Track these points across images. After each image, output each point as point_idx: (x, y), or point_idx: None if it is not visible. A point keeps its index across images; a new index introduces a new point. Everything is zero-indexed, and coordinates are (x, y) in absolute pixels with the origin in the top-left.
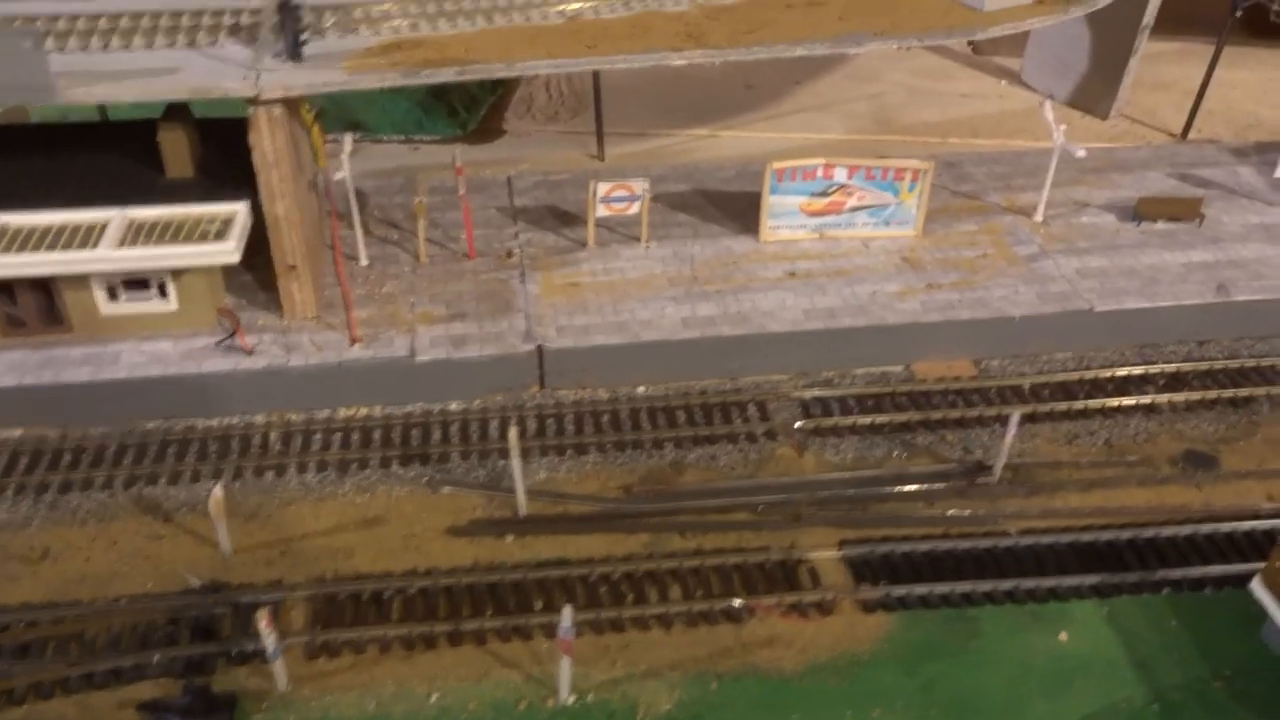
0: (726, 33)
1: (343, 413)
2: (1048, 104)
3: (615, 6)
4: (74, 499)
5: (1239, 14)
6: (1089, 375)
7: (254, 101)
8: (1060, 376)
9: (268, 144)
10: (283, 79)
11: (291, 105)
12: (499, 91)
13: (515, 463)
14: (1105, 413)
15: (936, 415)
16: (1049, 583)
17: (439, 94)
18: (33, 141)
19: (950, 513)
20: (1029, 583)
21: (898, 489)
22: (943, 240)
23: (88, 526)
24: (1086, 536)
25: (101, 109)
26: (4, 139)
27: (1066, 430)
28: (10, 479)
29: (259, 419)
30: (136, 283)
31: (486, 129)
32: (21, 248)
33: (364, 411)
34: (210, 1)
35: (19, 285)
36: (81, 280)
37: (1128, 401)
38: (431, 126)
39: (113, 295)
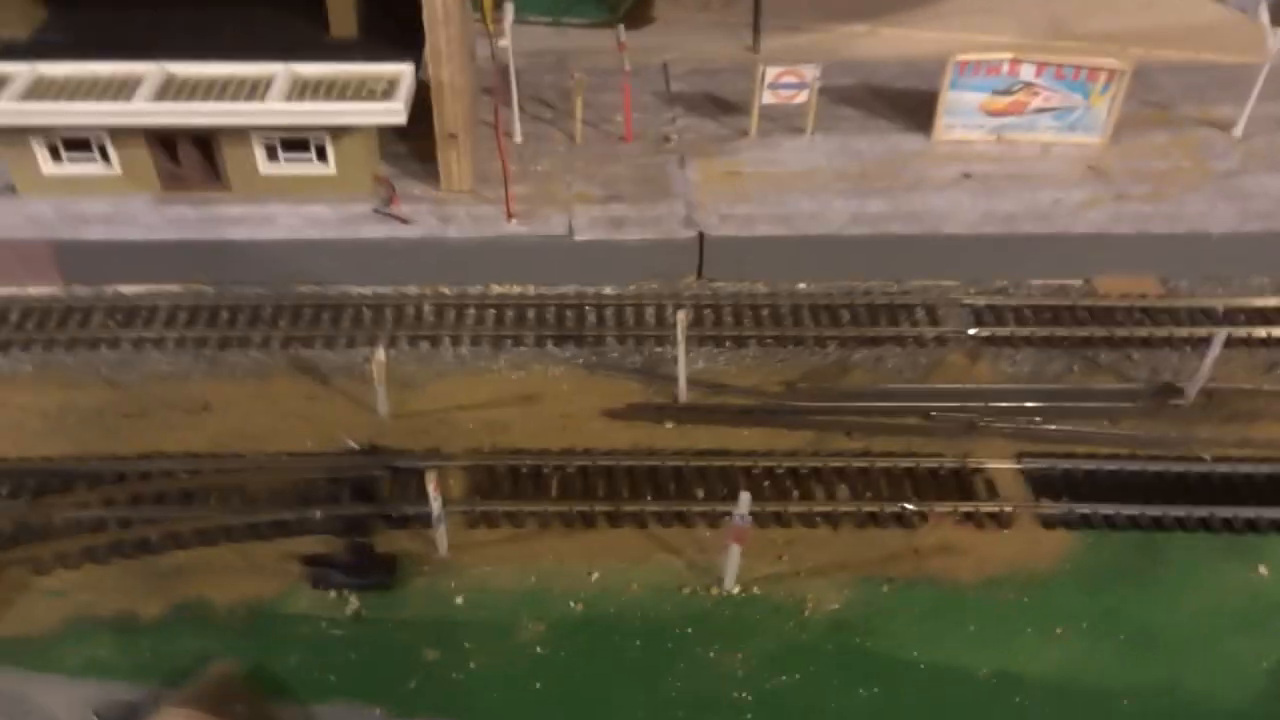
0: None
1: (495, 289)
2: (1263, 5)
3: None
4: (232, 356)
5: None
6: None
7: None
8: (1259, 301)
9: (439, 2)
10: None
11: None
12: None
13: (680, 348)
14: None
15: (1121, 332)
16: (1247, 513)
17: None
18: None
19: (1139, 433)
20: (1225, 511)
21: (1081, 405)
22: (1131, 151)
23: (246, 383)
24: None
25: None
26: None
27: (1265, 358)
28: (171, 331)
29: (412, 290)
30: (296, 144)
31: (637, 15)
32: (185, 97)
33: (517, 289)
34: None
35: (180, 138)
36: (242, 137)
37: None
38: (581, 9)
39: (272, 155)
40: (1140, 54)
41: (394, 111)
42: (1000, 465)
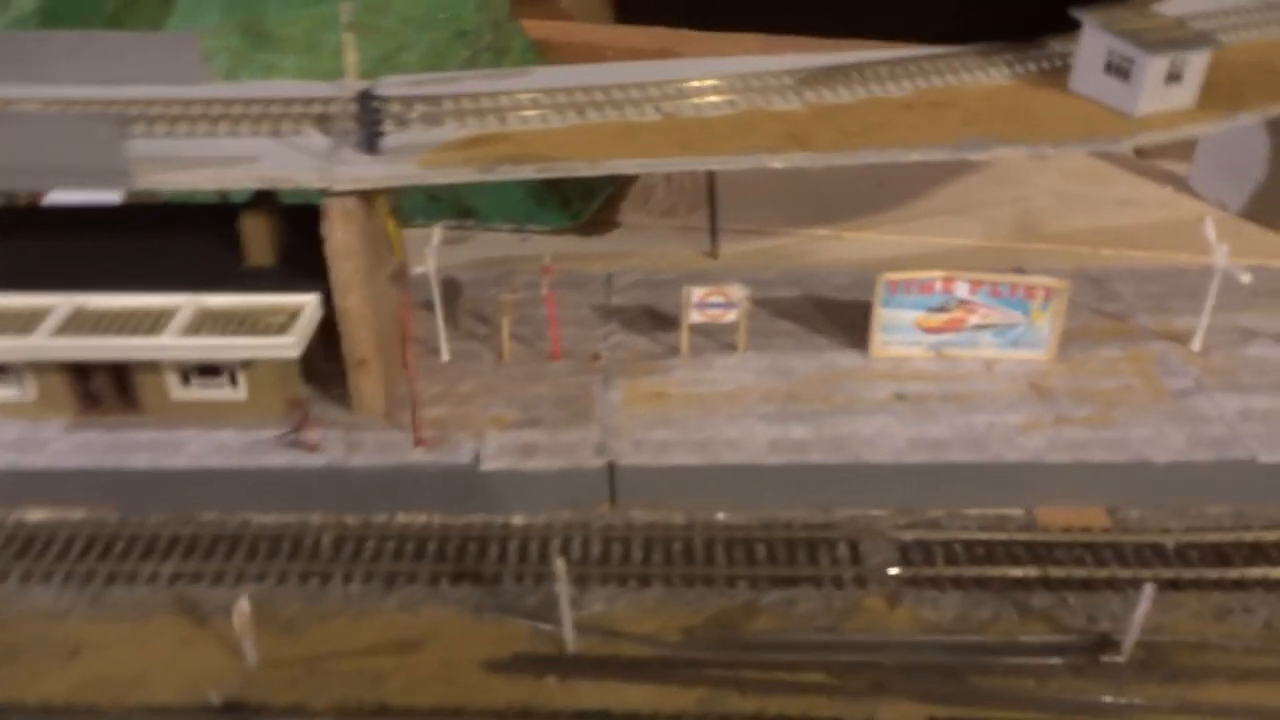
0: (834, 135)
1: (401, 518)
2: (1209, 221)
3: (720, 105)
4: (116, 592)
5: None
6: (1249, 538)
7: (326, 193)
8: (1213, 536)
9: (340, 236)
10: (356, 171)
11: (367, 198)
12: (616, 183)
13: (562, 597)
14: (1268, 585)
15: (1058, 573)
16: None
17: (553, 184)
18: (121, 219)
19: (1066, 697)
20: None
21: (1003, 660)
22: (1079, 367)
23: (123, 624)
24: None
25: (220, 191)
26: (96, 217)
27: (1217, 603)
28: (61, 564)
29: (315, 519)
30: (208, 369)
31: (600, 221)
32: (96, 329)
33: (423, 519)
34: (295, 90)
35: (95, 366)
36: (154, 364)
37: None
38: (543, 217)
39: (185, 380)
40: (1110, 255)
41: (286, 346)
42: None
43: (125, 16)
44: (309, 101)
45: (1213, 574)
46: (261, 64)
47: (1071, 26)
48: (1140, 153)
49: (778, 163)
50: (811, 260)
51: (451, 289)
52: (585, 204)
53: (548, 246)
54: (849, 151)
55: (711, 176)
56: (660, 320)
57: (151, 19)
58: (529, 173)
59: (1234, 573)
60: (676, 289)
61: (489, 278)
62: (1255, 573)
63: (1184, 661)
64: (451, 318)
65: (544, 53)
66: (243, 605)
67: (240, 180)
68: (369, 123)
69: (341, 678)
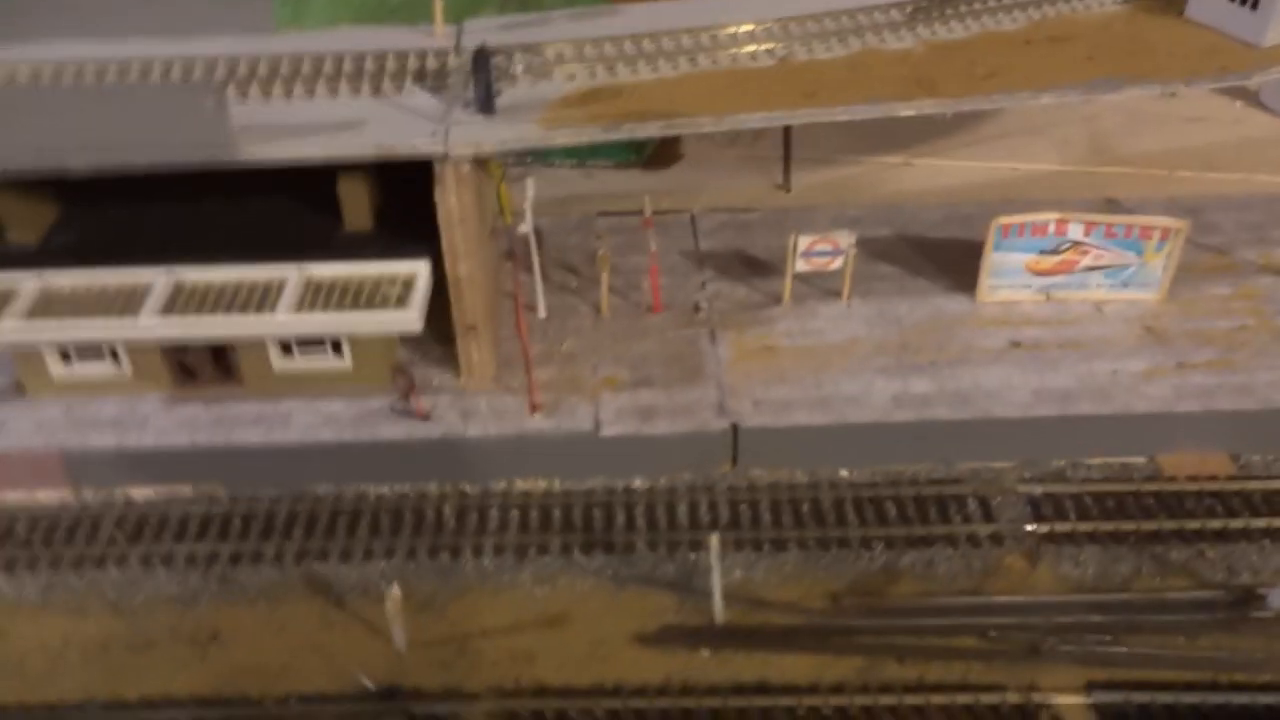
0: (960, 77)
1: (519, 484)
2: None
3: (833, 46)
4: (243, 574)
5: None
6: None
7: (444, 159)
8: None
9: (453, 202)
10: (474, 135)
11: (481, 160)
12: None
13: (715, 575)
14: None
15: (1192, 525)
16: None
17: None
18: (209, 182)
19: (1220, 654)
20: None
21: (1152, 618)
22: (1190, 307)
23: (257, 607)
24: None
25: None
26: (181, 180)
27: None
28: (181, 545)
29: (432, 489)
30: (311, 340)
31: (663, 154)
32: (197, 307)
33: (542, 485)
34: (388, 42)
35: (201, 343)
36: (261, 340)
37: None
38: (607, 151)
39: (287, 351)
40: (1189, 177)
41: (408, 320)
42: (1068, 700)
43: None
44: (405, 55)
45: None
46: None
47: None
48: None
49: (907, 110)
50: (887, 191)
51: (536, 239)
52: (649, 137)
53: (612, 183)
54: (980, 96)
55: None
56: (754, 265)
57: None
58: (654, 130)
59: None
60: (765, 230)
61: (567, 224)
62: None
63: None
64: (541, 271)
65: None
66: (395, 592)
67: (353, 149)
68: (483, 81)
69: (492, 658)
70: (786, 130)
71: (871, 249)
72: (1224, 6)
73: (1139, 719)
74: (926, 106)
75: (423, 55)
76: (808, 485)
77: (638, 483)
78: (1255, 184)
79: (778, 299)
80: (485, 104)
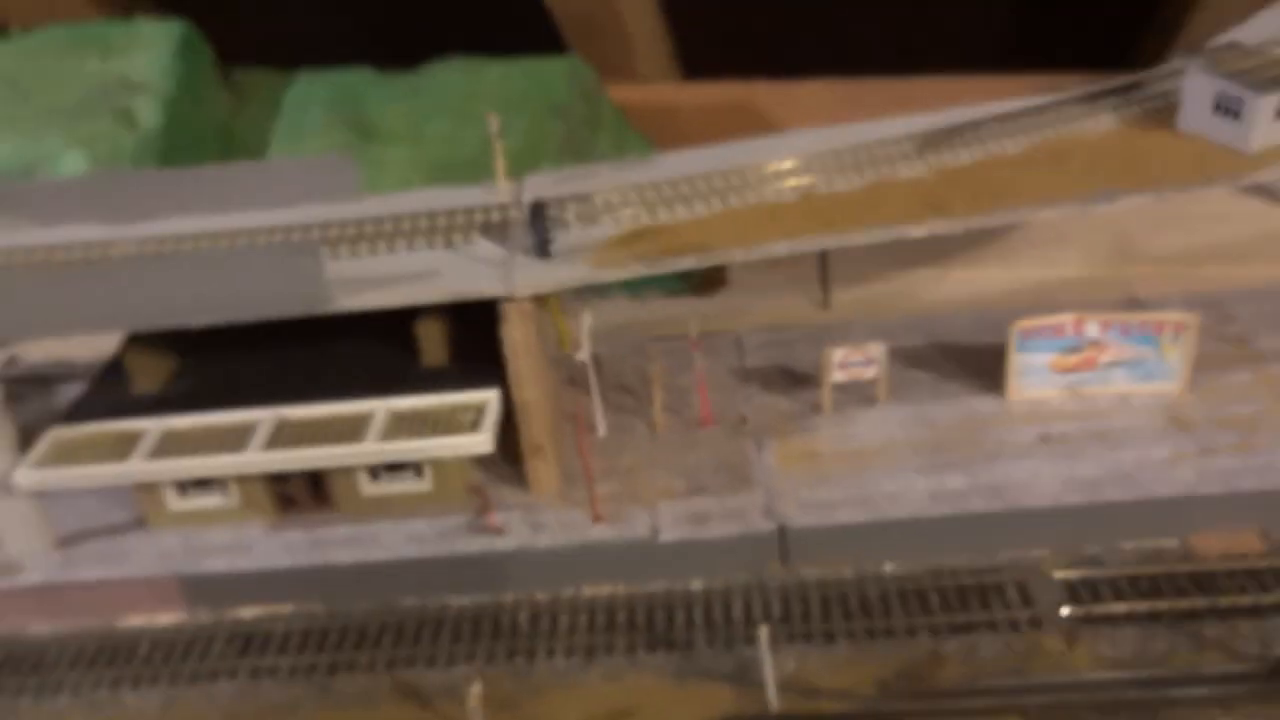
0: (967, 198)
1: (587, 591)
2: None
3: (849, 176)
4: (340, 682)
5: None
6: None
7: (509, 300)
8: None
9: (518, 335)
10: (533, 276)
11: (541, 298)
12: None
13: (766, 664)
14: None
15: (1225, 601)
16: None
17: None
18: (306, 331)
19: None
20: None
21: (1188, 692)
22: (1211, 395)
23: (351, 712)
24: None
25: None
26: (282, 331)
27: None
28: (284, 658)
29: (508, 597)
30: (396, 465)
31: (710, 280)
32: (295, 441)
33: (607, 589)
34: (458, 200)
35: (293, 471)
36: (347, 466)
37: None
38: (657, 282)
39: (374, 476)
40: (1214, 273)
41: (481, 443)
42: None
43: (236, 120)
44: (472, 211)
45: None
46: (372, 157)
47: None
48: None
49: (919, 231)
50: (923, 303)
51: (595, 364)
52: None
53: (664, 310)
54: (983, 214)
55: None
56: (795, 378)
57: (260, 120)
58: (690, 263)
59: None
60: (805, 345)
61: (624, 349)
62: None
63: None
64: (600, 393)
65: (625, 117)
66: (476, 689)
67: (430, 295)
68: (539, 230)
69: None
70: (823, 253)
71: (905, 357)
72: (1211, 118)
73: None
74: (937, 227)
75: (487, 210)
76: (854, 580)
77: (695, 584)
78: (1275, 276)
79: (818, 408)
80: (542, 249)
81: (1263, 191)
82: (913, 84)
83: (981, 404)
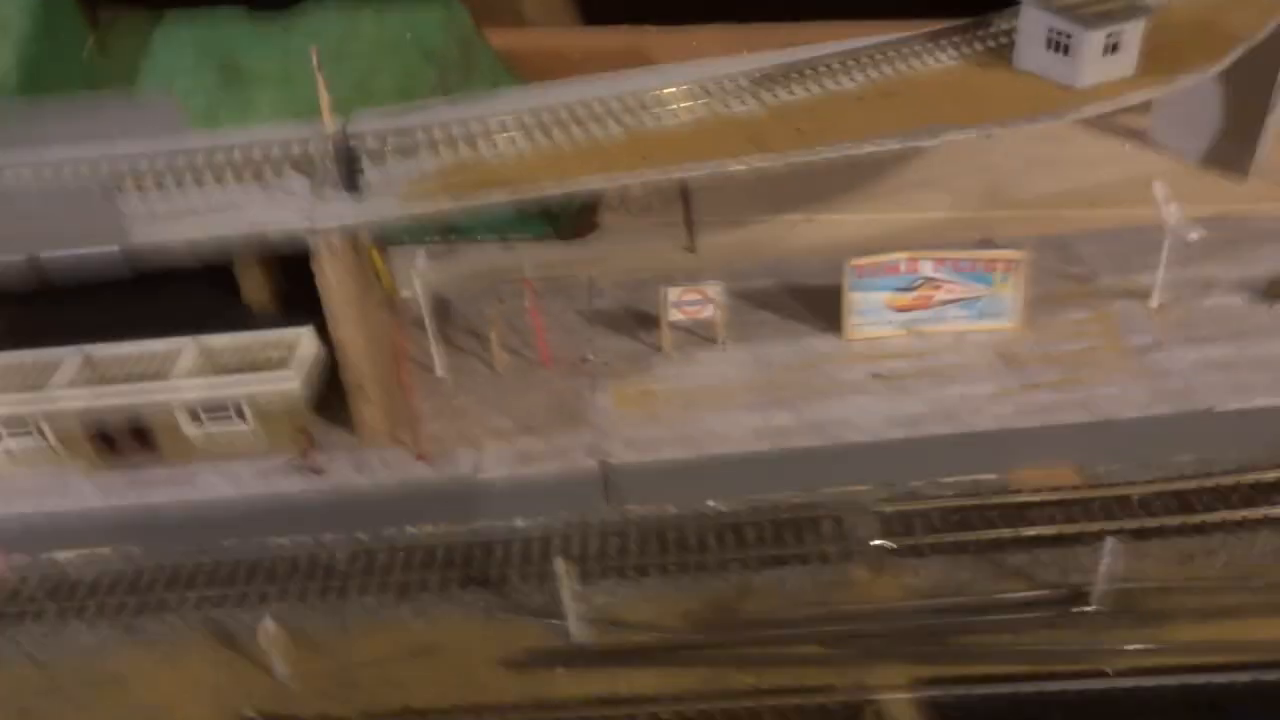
0: (790, 135)
1: (410, 531)
2: (1157, 184)
3: (680, 114)
4: (149, 623)
5: None
6: (1210, 484)
7: (313, 234)
8: (1176, 485)
9: (329, 272)
10: (339, 211)
11: (353, 233)
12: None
13: (566, 598)
14: (1228, 528)
15: (1031, 532)
16: None
17: None
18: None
19: (1041, 647)
20: None
21: (982, 618)
22: (1046, 332)
23: (158, 651)
24: (1198, 678)
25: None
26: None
27: (1181, 549)
28: (93, 600)
29: (329, 538)
30: (216, 408)
31: (580, 224)
32: (101, 379)
33: (430, 530)
34: (273, 135)
35: (111, 413)
36: (166, 407)
37: (1255, 514)
38: (525, 226)
39: (196, 419)
40: (1073, 216)
41: (285, 379)
42: (893, 695)
43: (102, 62)
44: (287, 145)
45: (1176, 521)
46: (239, 101)
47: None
48: None
49: (737, 166)
50: (787, 247)
51: (442, 306)
52: (565, 211)
53: (532, 255)
54: (805, 150)
55: None
56: (643, 320)
57: (128, 61)
58: (501, 197)
59: (1196, 518)
60: (657, 289)
61: (476, 293)
62: (1216, 517)
63: (1151, 605)
64: (444, 335)
65: (510, 64)
66: (268, 625)
67: (229, 229)
68: (346, 163)
69: (367, 686)
70: (686, 196)
71: (754, 299)
72: (1043, 55)
73: (958, 709)
74: (755, 161)
75: (305, 144)
76: (676, 517)
77: (520, 523)
78: (1131, 218)
79: (660, 349)
80: (350, 183)
81: (1135, 136)
82: (801, 29)
83: (821, 344)
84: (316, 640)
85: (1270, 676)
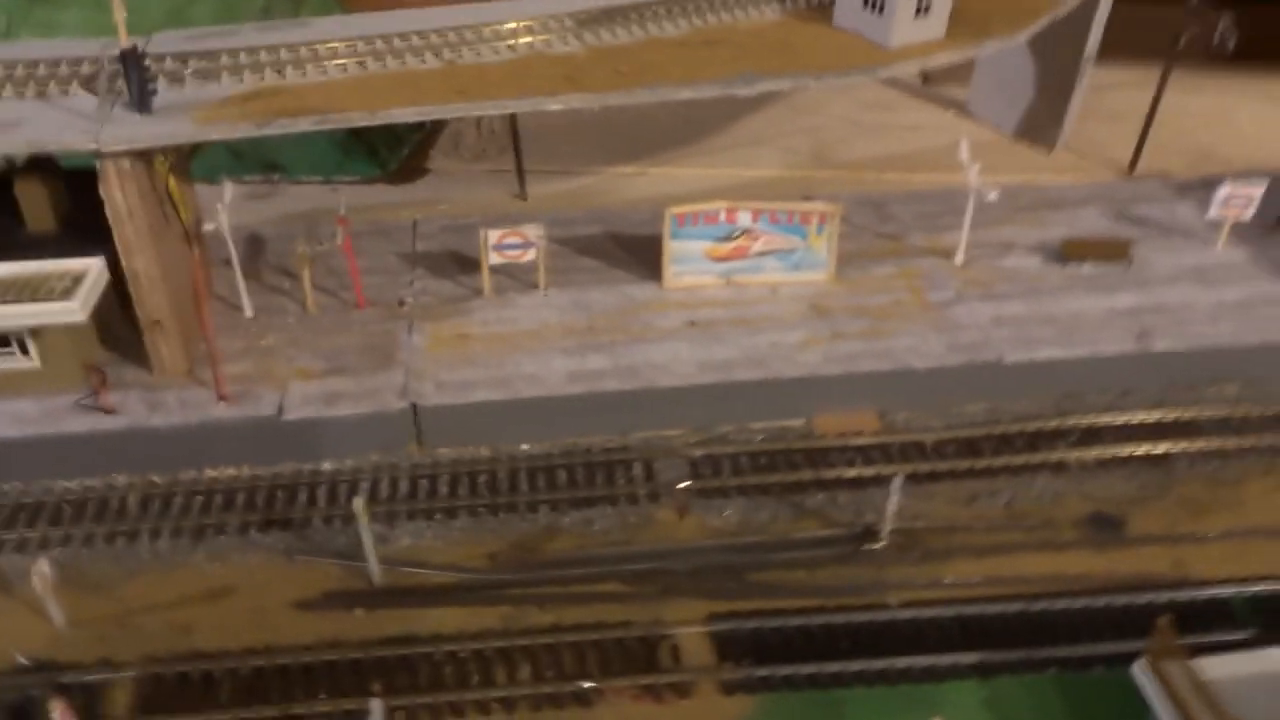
0: (608, 75)
1: (209, 474)
2: (964, 143)
3: (500, 50)
4: None
5: (1181, 45)
6: (997, 430)
7: (99, 155)
8: (966, 432)
9: (119, 197)
10: (127, 132)
11: (145, 157)
12: (425, 131)
13: (364, 534)
14: (1010, 471)
15: (830, 474)
16: (924, 661)
17: (360, 134)
18: None
19: (831, 583)
20: (902, 662)
21: (778, 556)
22: (856, 285)
23: None
24: (971, 609)
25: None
26: None
27: (968, 490)
28: None
29: (120, 480)
30: None
31: (410, 168)
32: None
33: (231, 472)
34: (62, 51)
35: None
36: None
37: (1034, 459)
38: (352, 167)
39: None
40: (894, 179)
41: (70, 311)
42: (688, 630)
43: None
44: (77, 62)
45: (964, 464)
46: (41, 20)
47: None
48: (926, 80)
49: (554, 105)
50: (616, 198)
51: (255, 244)
52: (394, 152)
53: (357, 197)
54: (622, 91)
55: (514, 120)
56: (466, 264)
57: None
58: (305, 125)
59: (982, 462)
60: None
61: (293, 232)
62: (1000, 461)
63: (935, 543)
64: (255, 273)
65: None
66: (41, 568)
67: (6, 146)
68: (137, 81)
69: (151, 630)
70: (516, 142)
71: (578, 246)
72: (860, 13)
73: (750, 643)
74: (572, 101)
75: (96, 61)
76: (488, 460)
77: (326, 466)
78: (946, 181)
79: (481, 292)
80: (141, 103)
81: (956, 107)
82: None
83: (640, 291)
84: (100, 585)
85: (1036, 607)
